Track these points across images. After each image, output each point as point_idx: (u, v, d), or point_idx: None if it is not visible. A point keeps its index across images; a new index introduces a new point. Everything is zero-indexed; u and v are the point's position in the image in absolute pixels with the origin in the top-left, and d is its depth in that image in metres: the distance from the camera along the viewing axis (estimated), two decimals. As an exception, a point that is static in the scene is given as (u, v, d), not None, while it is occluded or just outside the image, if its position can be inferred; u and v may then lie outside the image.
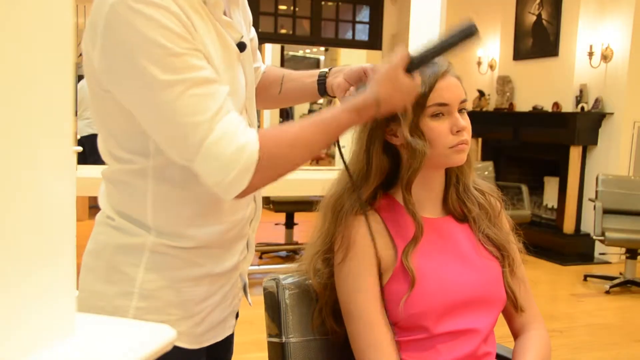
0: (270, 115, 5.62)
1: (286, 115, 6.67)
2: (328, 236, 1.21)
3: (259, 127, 1.19)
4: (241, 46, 1.06)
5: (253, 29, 1.23)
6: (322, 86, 1.24)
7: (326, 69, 1.26)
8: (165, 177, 1.01)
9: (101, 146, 1.06)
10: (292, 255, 5.06)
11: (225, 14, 1.05)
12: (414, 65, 1.07)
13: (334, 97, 1.24)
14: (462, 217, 1.26)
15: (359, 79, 1.19)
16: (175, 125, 0.90)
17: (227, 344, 1.20)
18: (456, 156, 1.18)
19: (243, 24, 1.13)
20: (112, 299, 1.03)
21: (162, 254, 1.03)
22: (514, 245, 1.28)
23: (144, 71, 0.89)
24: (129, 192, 1.03)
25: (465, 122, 1.17)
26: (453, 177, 1.25)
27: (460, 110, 1.18)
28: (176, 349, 1.04)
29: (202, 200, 1.03)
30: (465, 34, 1.06)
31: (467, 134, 1.17)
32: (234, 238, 1.10)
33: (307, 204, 4.87)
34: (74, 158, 0.90)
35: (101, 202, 1.09)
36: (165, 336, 0.66)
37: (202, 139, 0.90)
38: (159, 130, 0.94)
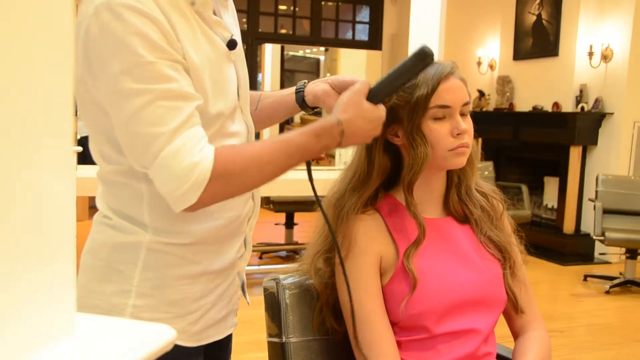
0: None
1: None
2: (329, 236, 1.21)
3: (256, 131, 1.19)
4: (231, 44, 1.06)
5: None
6: (300, 95, 1.22)
7: (305, 80, 1.24)
8: None
9: (92, 147, 1.06)
10: (292, 255, 5.06)
11: (214, 13, 1.05)
12: (374, 93, 1.05)
13: (314, 108, 1.21)
14: (463, 218, 1.26)
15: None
16: (137, 133, 0.92)
17: (224, 344, 1.20)
18: (456, 159, 1.17)
19: (234, 26, 1.13)
20: (109, 297, 1.04)
21: (159, 251, 1.03)
22: (516, 248, 1.28)
23: (116, 76, 0.90)
24: (124, 192, 1.04)
25: (466, 125, 1.17)
26: (455, 179, 1.25)
27: (463, 113, 1.17)
28: (174, 347, 1.04)
29: None
30: (419, 58, 1.05)
31: (468, 137, 1.17)
32: (231, 234, 1.10)
33: (307, 204, 4.87)
34: (74, 158, 0.90)
35: (98, 202, 1.10)
36: (165, 336, 0.66)
37: (158, 150, 0.91)
38: (122, 134, 0.95)
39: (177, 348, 1.04)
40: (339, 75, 1.20)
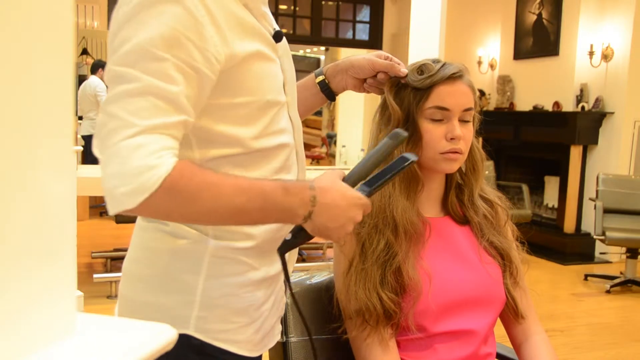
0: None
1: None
2: None
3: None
4: (277, 36, 1.01)
5: None
6: (327, 92, 1.22)
7: (321, 76, 1.22)
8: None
9: None
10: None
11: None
12: (352, 178, 0.97)
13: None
14: (462, 220, 1.26)
15: (370, 72, 1.18)
16: (112, 114, 0.83)
17: None
18: (445, 164, 1.17)
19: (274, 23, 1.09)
20: (170, 310, 0.97)
21: (223, 258, 0.98)
22: (517, 254, 1.27)
23: (123, 56, 0.84)
24: None
25: (463, 131, 1.16)
26: (454, 182, 1.25)
27: (464, 119, 1.17)
28: (239, 358, 1.01)
29: None
30: (392, 138, 0.98)
31: (463, 144, 1.16)
32: (282, 237, 1.05)
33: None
34: (74, 158, 0.88)
35: None
36: (165, 336, 0.66)
37: (120, 139, 0.82)
38: (101, 110, 0.87)
39: (242, 359, 1.01)
40: (355, 59, 1.20)
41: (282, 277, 1.09)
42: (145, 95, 0.83)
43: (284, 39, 1.04)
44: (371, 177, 0.98)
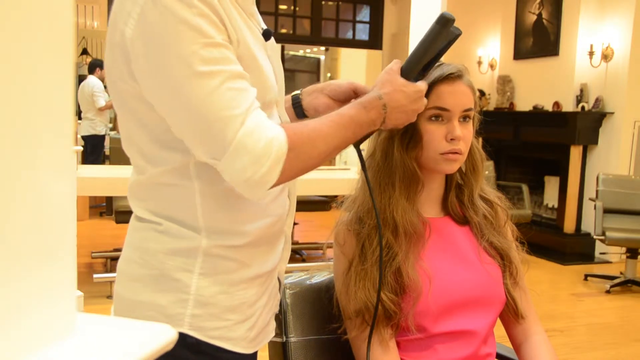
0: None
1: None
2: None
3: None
4: (266, 34, 1.04)
5: None
6: (299, 110, 1.20)
7: (298, 91, 1.22)
8: (210, 173, 0.96)
9: (130, 151, 1.01)
10: (292, 255, 5.06)
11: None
12: (406, 70, 1.05)
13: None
14: (462, 220, 1.26)
15: (348, 99, 1.15)
16: (209, 119, 0.87)
17: None
18: (445, 164, 1.17)
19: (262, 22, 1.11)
20: (165, 308, 0.98)
21: (216, 256, 0.99)
22: (517, 255, 1.27)
23: (182, 62, 0.86)
24: (174, 194, 0.98)
25: (463, 131, 1.16)
26: (454, 182, 1.25)
27: (464, 119, 1.17)
28: (235, 355, 1.02)
29: None
30: (440, 24, 1.03)
31: (462, 144, 1.16)
32: (276, 234, 1.08)
33: (307, 204, 4.87)
34: (74, 158, 0.88)
35: (136, 208, 1.04)
36: (165, 336, 0.66)
37: (235, 133, 0.87)
38: (189, 125, 0.90)
39: (238, 356, 1.02)
40: (334, 80, 1.18)
41: (276, 274, 1.12)
42: (224, 84, 0.88)
43: (272, 38, 1.07)
44: (425, 63, 1.06)
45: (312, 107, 1.19)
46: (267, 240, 1.05)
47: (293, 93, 1.22)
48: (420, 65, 1.06)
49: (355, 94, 1.16)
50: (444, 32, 1.03)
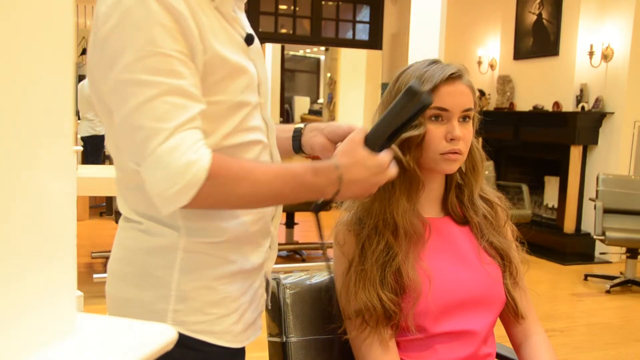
0: (271, 115, 5.61)
1: (287, 115, 6.67)
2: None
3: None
4: (249, 39, 1.04)
5: None
6: (296, 143, 1.20)
7: (302, 125, 1.21)
8: None
9: (110, 146, 1.04)
10: (292, 255, 5.06)
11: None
12: (370, 139, 1.00)
13: (310, 156, 1.18)
14: (462, 220, 1.26)
15: (347, 135, 1.12)
16: (138, 126, 0.89)
17: None
18: (445, 164, 1.17)
19: (248, 26, 1.12)
20: (148, 304, 1.01)
21: (196, 252, 1.01)
22: (517, 255, 1.27)
23: (128, 64, 0.88)
24: None
25: (463, 131, 1.16)
26: (454, 182, 1.25)
27: (464, 119, 1.17)
28: (221, 349, 1.04)
29: None
30: (408, 96, 0.98)
31: (462, 144, 1.16)
32: (260, 232, 1.09)
33: (307, 204, 4.86)
34: (74, 158, 0.89)
35: (122, 208, 1.06)
36: (165, 336, 0.66)
37: (156, 145, 0.88)
38: (121, 126, 0.92)
39: (225, 350, 1.04)
40: (335, 122, 1.17)
41: (262, 273, 1.13)
42: (162, 96, 0.88)
43: (256, 40, 1.08)
44: (390, 133, 1.02)
45: (309, 145, 1.18)
46: (251, 239, 1.07)
47: (296, 125, 1.21)
48: (386, 135, 1.01)
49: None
50: (412, 103, 0.98)
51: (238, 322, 1.07)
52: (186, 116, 0.90)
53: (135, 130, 0.89)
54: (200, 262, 1.01)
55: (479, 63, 6.63)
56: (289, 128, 1.21)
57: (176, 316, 1.01)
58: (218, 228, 1.02)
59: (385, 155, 1.01)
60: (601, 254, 5.40)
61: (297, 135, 1.20)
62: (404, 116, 1.00)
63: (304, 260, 4.96)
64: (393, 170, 1.02)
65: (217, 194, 0.91)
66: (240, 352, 1.09)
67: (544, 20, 5.81)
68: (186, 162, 0.88)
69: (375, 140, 1.00)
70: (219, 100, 0.98)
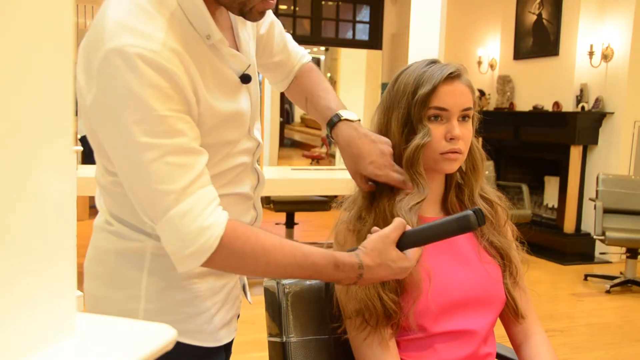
0: (271, 115, 5.62)
1: (287, 115, 6.67)
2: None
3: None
4: (245, 78, 1.05)
5: (268, 19, 1.22)
6: (330, 128, 1.19)
7: (339, 114, 1.19)
8: None
9: (96, 156, 1.04)
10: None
11: (234, 35, 1.05)
12: (405, 241, 1.00)
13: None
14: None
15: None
16: (145, 188, 0.90)
17: (228, 345, 1.20)
18: (445, 164, 1.17)
19: (250, 42, 1.12)
20: (121, 303, 1.04)
21: (164, 255, 1.00)
22: (517, 255, 1.27)
23: (126, 125, 0.87)
24: (125, 200, 1.00)
25: (462, 131, 1.16)
26: (454, 182, 1.25)
27: (463, 118, 1.17)
28: (193, 348, 1.05)
29: None
30: (461, 225, 0.98)
31: (462, 144, 1.16)
32: None
33: (307, 204, 4.87)
34: (74, 158, 0.89)
35: (98, 203, 1.10)
36: (165, 336, 0.66)
37: (166, 209, 0.88)
38: (130, 186, 0.93)
39: (198, 349, 1.05)
40: (375, 134, 1.17)
41: (237, 277, 1.16)
42: (163, 157, 0.88)
43: (253, 65, 1.08)
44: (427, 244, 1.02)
45: (338, 135, 1.18)
46: None
47: (338, 112, 1.18)
48: (423, 244, 1.02)
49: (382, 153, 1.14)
50: (462, 229, 0.99)
51: (211, 321, 1.08)
52: (191, 175, 0.90)
53: (143, 192, 0.91)
54: (169, 264, 1.00)
55: (479, 63, 6.63)
56: (328, 112, 1.20)
57: (147, 315, 1.03)
58: None
59: (414, 258, 1.02)
60: (601, 254, 5.40)
61: (335, 121, 1.18)
62: (447, 235, 1.01)
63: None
64: (414, 262, 1.02)
65: (232, 262, 0.93)
66: (217, 351, 1.10)
67: (544, 20, 5.81)
68: (198, 227, 0.89)
69: (409, 245, 1.01)
70: (207, 143, 0.97)
